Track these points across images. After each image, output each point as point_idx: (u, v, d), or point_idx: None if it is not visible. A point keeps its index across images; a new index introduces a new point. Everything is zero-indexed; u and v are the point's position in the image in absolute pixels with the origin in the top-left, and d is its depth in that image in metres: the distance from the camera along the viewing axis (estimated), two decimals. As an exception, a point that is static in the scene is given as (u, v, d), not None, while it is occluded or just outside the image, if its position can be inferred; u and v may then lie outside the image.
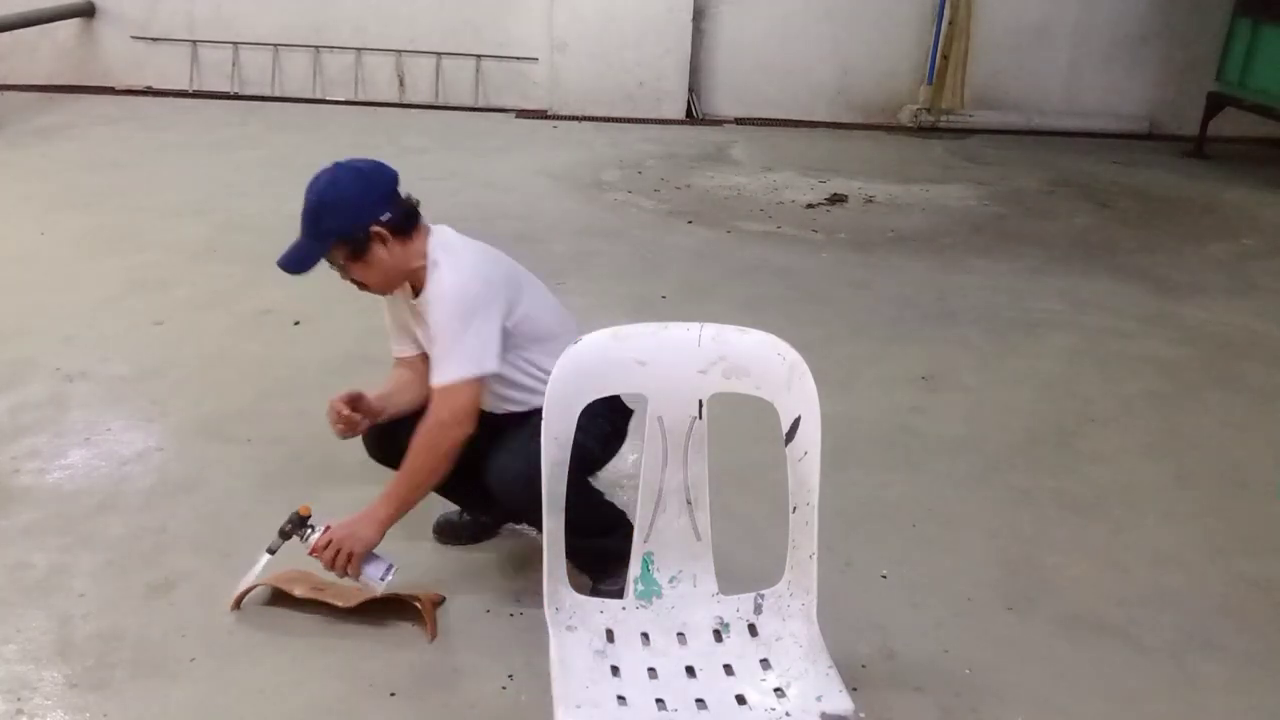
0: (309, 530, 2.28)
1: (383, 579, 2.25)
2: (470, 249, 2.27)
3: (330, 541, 2.21)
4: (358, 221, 2.17)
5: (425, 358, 2.30)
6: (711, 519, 1.93)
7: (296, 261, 2.22)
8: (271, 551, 2.31)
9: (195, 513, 2.78)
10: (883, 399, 3.64)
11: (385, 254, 2.20)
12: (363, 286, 2.29)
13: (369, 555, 2.24)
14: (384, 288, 2.29)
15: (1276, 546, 2.87)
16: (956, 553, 2.76)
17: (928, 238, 5.56)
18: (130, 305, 4.13)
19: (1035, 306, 4.59)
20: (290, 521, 2.30)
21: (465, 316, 2.14)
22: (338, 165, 2.25)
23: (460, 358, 2.13)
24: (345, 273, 2.26)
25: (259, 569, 2.34)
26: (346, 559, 2.20)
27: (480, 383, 2.15)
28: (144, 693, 2.15)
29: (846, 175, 6.76)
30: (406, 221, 2.22)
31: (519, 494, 2.09)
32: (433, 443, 2.16)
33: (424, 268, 2.22)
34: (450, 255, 2.22)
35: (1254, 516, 3.01)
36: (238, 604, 2.38)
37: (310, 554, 2.25)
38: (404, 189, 2.28)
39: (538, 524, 2.09)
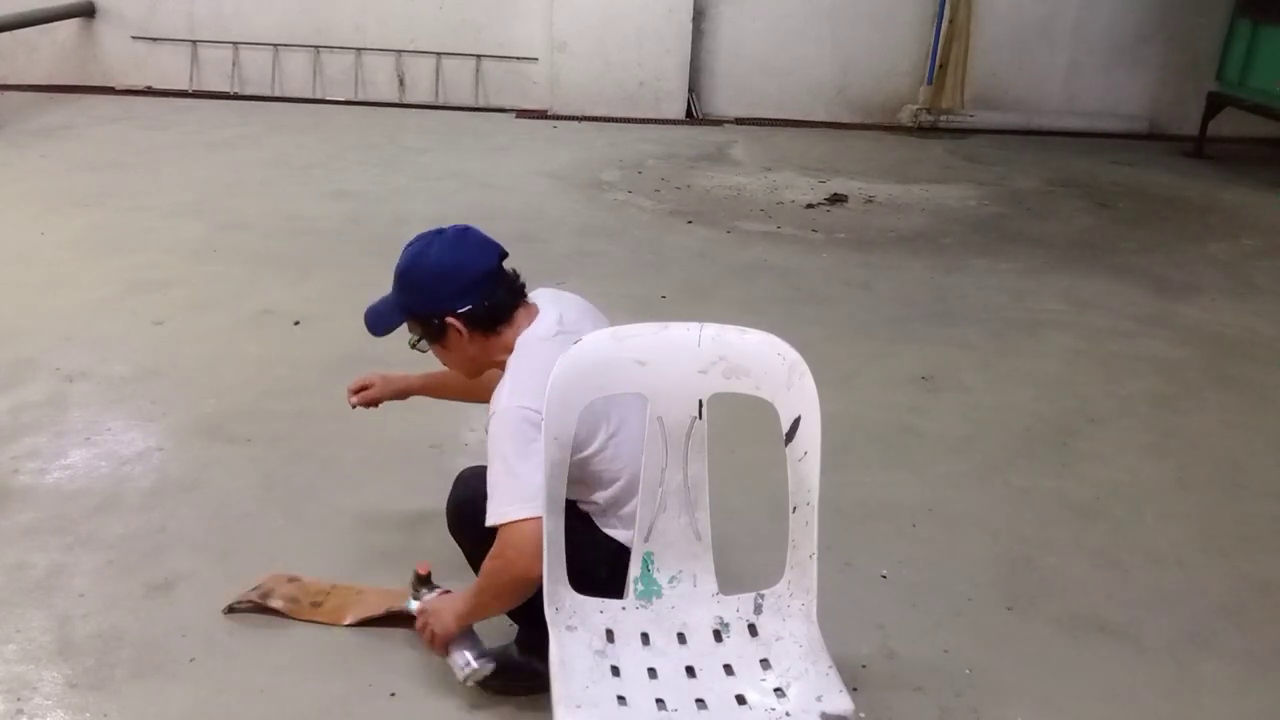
0: (425, 590, 2.20)
1: (465, 667, 2.08)
2: (550, 358, 1.89)
3: (423, 611, 2.13)
4: (432, 308, 2.01)
5: None
6: (711, 519, 1.93)
7: (375, 320, 2.11)
8: (416, 598, 2.23)
9: (195, 513, 2.78)
10: (883, 399, 3.64)
11: (463, 344, 2.03)
12: (447, 364, 2.15)
13: (465, 637, 2.11)
14: (466, 374, 2.14)
15: (1276, 546, 2.87)
16: (956, 553, 2.76)
17: (928, 238, 5.56)
18: (130, 305, 4.13)
19: (1035, 306, 4.59)
20: (414, 579, 2.23)
21: (520, 445, 1.85)
22: (438, 233, 2.05)
23: (517, 494, 1.84)
24: (425, 350, 2.12)
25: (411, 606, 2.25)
26: (431, 637, 2.10)
27: (542, 519, 1.84)
28: (144, 693, 2.15)
29: (846, 175, 6.76)
30: (491, 315, 2.01)
31: (453, 523, 2.14)
32: (496, 575, 1.93)
33: (505, 363, 2.00)
34: (523, 362, 1.95)
35: (1254, 516, 3.01)
36: (230, 610, 2.38)
37: None
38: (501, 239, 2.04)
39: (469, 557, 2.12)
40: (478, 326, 2.02)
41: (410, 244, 2.06)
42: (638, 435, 1.94)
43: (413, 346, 2.12)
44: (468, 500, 2.01)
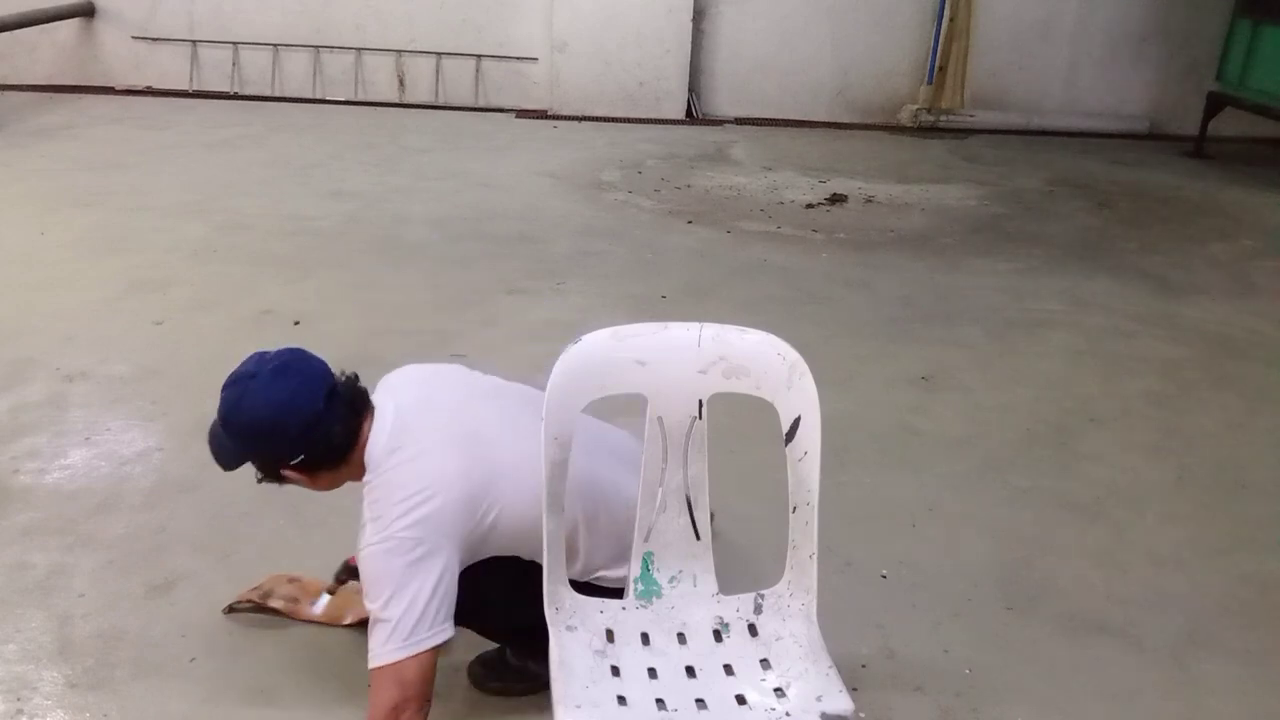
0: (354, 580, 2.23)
1: None
2: (411, 465, 1.83)
3: None
4: (265, 462, 1.89)
5: None
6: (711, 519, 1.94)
7: (218, 455, 1.93)
8: (330, 592, 2.35)
9: (195, 513, 2.78)
10: (883, 399, 3.64)
11: (311, 482, 1.93)
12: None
13: None
14: (326, 491, 2.01)
15: (1276, 546, 2.87)
16: (956, 553, 2.76)
17: (928, 238, 5.56)
18: (130, 305, 4.12)
19: (1035, 306, 4.59)
20: (344, 570, 2.32)
21: (397, 582, 1.75)
22: (256, 370, 1.86)
23: (399, 634, 1.74)
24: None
25: (320, 607, 2.35)
26: None
27: (431, 653, 1.77)
28: (144, 693, 2.15)
29: (846, 175, 6.76)
30: (330, 454, 1.87)
31: None
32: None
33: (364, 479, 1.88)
34: (377, 494, 1.83)
35: (1254, 516, 3.01)
36: (229, 610, 2.39)
37: None
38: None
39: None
40: (319, 467, 1.89)
41: (227, 383, 1.89)
42: (521, 507, 1.86)
43: (260, 482, 1.96)
44: None
